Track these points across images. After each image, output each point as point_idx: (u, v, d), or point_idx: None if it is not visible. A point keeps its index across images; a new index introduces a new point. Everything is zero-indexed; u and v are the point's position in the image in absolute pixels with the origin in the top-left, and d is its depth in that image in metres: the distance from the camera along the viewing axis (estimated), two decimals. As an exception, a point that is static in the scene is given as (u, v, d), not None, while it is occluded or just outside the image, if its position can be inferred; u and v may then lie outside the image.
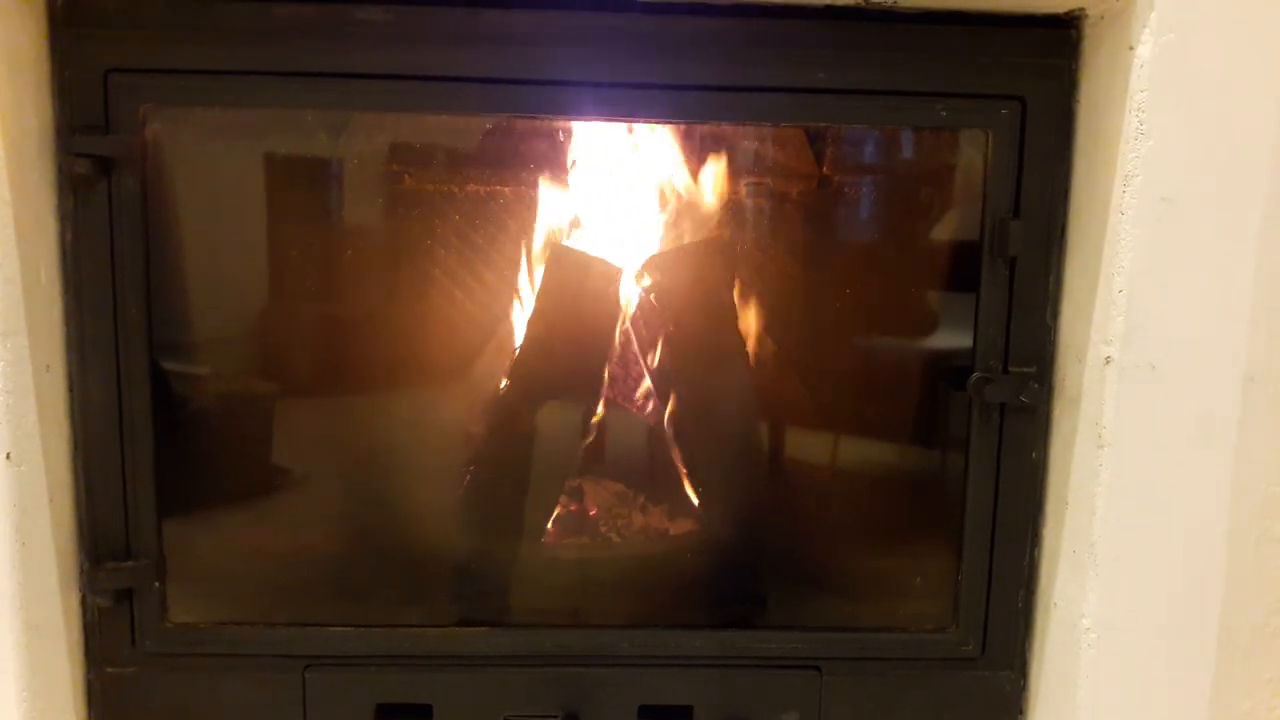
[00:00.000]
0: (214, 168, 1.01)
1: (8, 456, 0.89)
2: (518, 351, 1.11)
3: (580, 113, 0.98)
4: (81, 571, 0.98)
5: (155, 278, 0.96)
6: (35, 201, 0.91)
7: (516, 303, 1.11)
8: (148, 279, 0.95)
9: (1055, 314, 0.98)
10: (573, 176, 1.07)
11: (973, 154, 0.97)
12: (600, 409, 1.13)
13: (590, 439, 1.13)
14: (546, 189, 1.08)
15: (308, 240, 1.07)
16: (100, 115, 0.92)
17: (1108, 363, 0.90)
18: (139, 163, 0.93)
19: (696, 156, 1.07)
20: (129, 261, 0.94)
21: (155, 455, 0.98)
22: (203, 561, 1.03)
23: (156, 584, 1.00)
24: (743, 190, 1.07)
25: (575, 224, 1.10)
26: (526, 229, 1.08)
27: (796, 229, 1.10)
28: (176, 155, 0.99)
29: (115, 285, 0.95)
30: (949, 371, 1.02)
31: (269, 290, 1.06)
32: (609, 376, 1.13)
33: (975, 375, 0.98)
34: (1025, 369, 0.98)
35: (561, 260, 1.09)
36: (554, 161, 1.06)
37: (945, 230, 1.03)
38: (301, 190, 1.05)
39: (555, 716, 1.02)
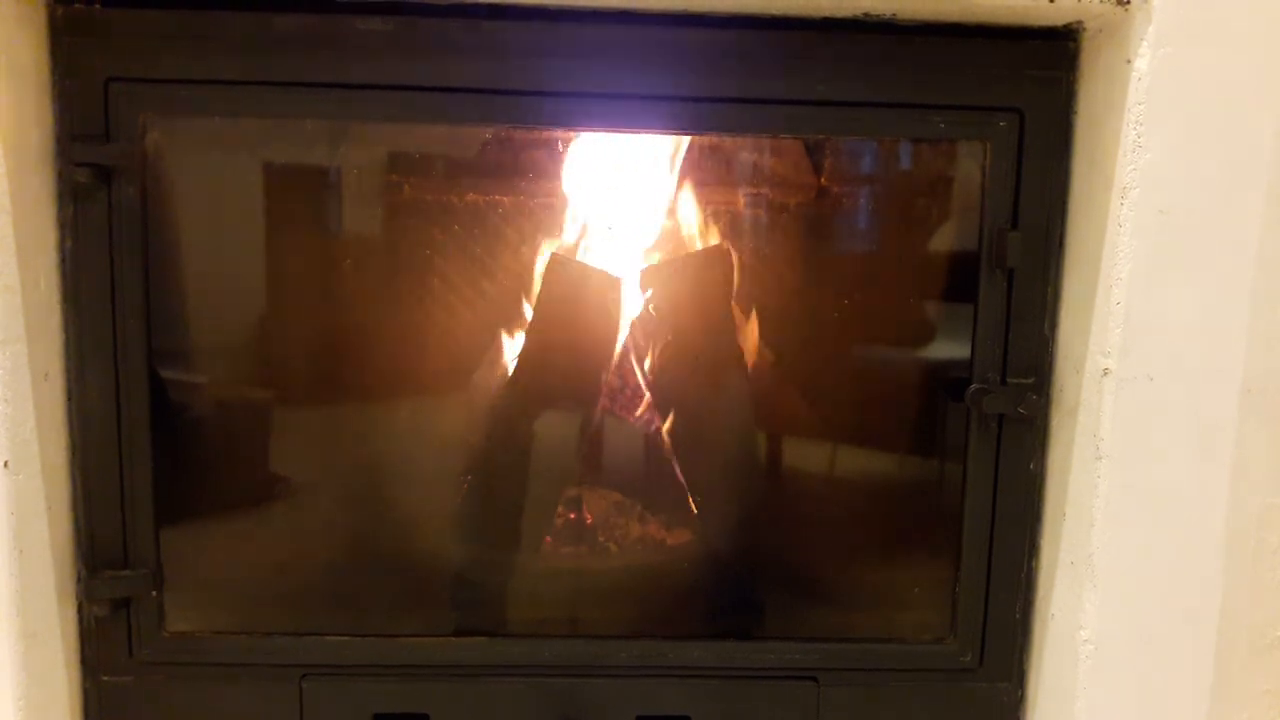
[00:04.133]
0: (214, 177, 1.01)
1: (5, 464, 0.89)
2: (516, 361, 1.11)
3: (578, 124, 0.99)
4: (79, 580, 0.98)
5: (154, 286, 0.96)
6: (35, 210, 0.91)
7: (515, 313, 1.11)
8: (147, 288, 0.95)
9: (1053, 325, 0.98)
10: (571, 187, 1.08)
11: (971, 165, 0.97)
12: (598, 419, 1.13)
13: (588, 449, 1.13)
14: (545, 199, 1.08)
15: (307, 250, 1.07)
16: (100, 124, 0.92)
17: (1105, 374, 0.90)
18: (139, 171, 0.93)
19: (695, 167, 1.07)
20: (128, 270, 0.94)
21: (153, 464, 0.98)
22: (200, 570, 1.03)
23: (154, 593, 0.99)
24: (741, 201, 1.07)
25: (574, 234, 1.10)
26: (525, 239, 1.08)
27: (795, 240, 1.10)
28: (176, 164, 0.99)
29: (114, 294, 0.95)
30: (947, 382, 1.02)
31: (268, 299, 1.06)
32: (607, 386, 1.13)
33: (973, 386, 0.98)
34: (1023, 380, 0.98)
35: (560, 270, 1.09)
36: (553, 172, 1.06)
37: (943, 241, 1.03)
38: (300, 200, 1.05)
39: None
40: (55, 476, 0.95)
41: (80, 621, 0.99)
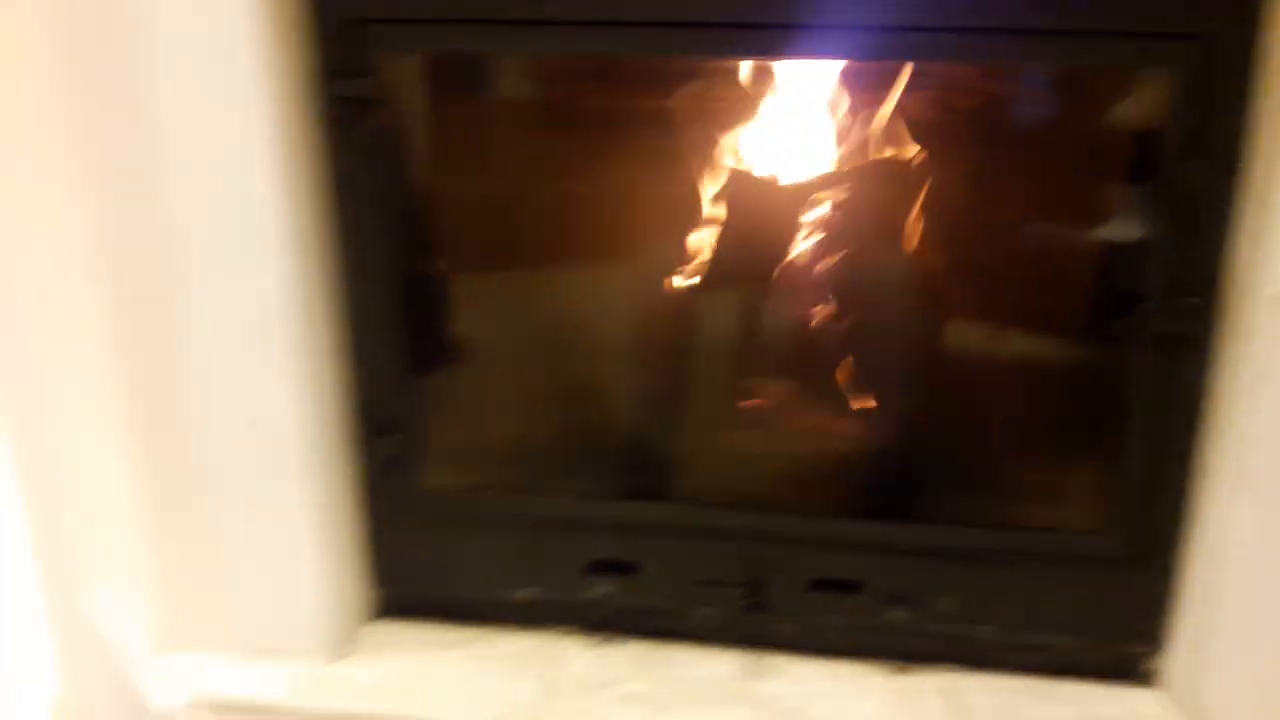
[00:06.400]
0: (458, 104, 1.16)
1: (300, 350, 1.09)
2: (707, 258, 1.23)
3: (798, 53, 1.05)
4: (358, 443, 1.20)
5: (405, 197, 1.12)
6: (303, 137, 1.05)
7: (704, 217, 1.22)
8: (400, 199, 1.11)
9: (1227, 249, 0.99)
10: (760, 98, 1.16)
11: (1155, 90, 0.97)
12: (786, 316, 1.24)
13: (776, 343, 1.25)
14: (735, 108, 1.16)
15: (530, 157, 1.19)
16: (359, 60, 1.04)
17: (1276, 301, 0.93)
18: (394, 102, 1.07)
19: (876, 83, 1.11)
20: (386, 186, 1.10)
21: (414, 346, 1.16)
22: (453, 437, 1.23)
23: (417, 454, 1.19)
24: (921, 114, 1.11)
25: (758, 142, 1.20)
26: (715, 143, 1.19)
27: (972, 152, 1.13)
28: (422, 93, 1.13)
29: (372, 205, 1.10)
30: (1118, 297, 1.04)
31: (502, 204, 1.20)
32: (788, 283, 1.23)
33: (1144, 303, 1.01)
34: (1192, 299, 1.00)
35: (741, 178, 1.19)
36: (743, 84, 1.14)
37: (1122, 162, 1.04)
38: (525, 115, 1.18)
39: (737, 582, 1.17)
40: (338, 359, 1.15)
41: (359, 478, 1.21)
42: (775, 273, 1.24)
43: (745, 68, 1.14)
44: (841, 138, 1.17)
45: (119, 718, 1.28)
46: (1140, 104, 1.01)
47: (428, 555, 1.25)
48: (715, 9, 0.99)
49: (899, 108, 1.11)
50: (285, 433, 1.12)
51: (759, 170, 1.22)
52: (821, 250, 1.22)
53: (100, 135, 1.03)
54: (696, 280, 1.24)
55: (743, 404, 1.26)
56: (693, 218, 1.23)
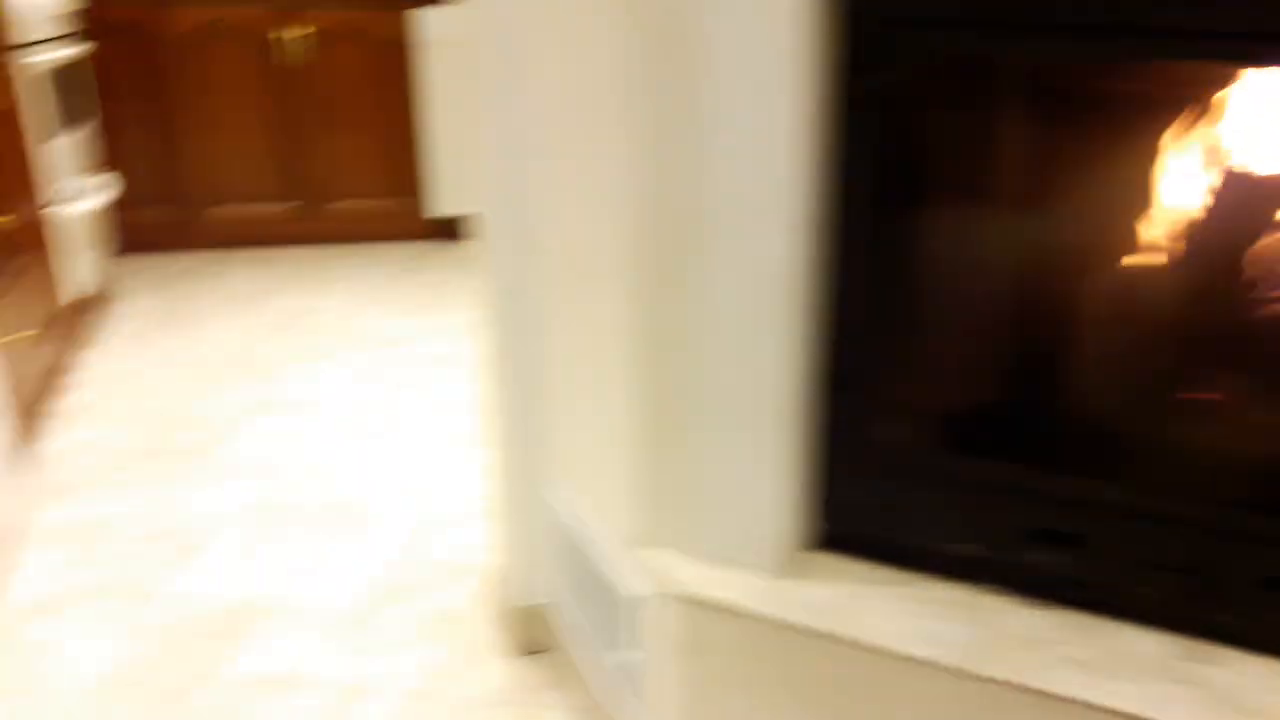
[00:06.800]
0: (957, 96, 1.26)
1: (788, 311, 1.25)
2: (1180, 243, 1.26)
3: None
4: (823, 395, 1.35)
5: (897, 181, 1.23)
6: (819, 125, 1.20)
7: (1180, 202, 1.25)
8: (890, 183, 1.23)
9: None
10: (1242, 92, 1.18)
11: None
12: (1252, 310, 1.25)
13: (1233, 337, 1.26)
14: (1220, 99, 1.19)
15: (1017, 147, 1.28)
16: (880, 58, 1.17)
17: None
18: (902, 95, 1.19)
19: None
20: (879, 171, 1.22)
21: (879, 316, 1.28)
22: (908, 397, 1.35)
23: (873, 409, 1.32)
24: None
25: (1239, 135, 1.20)
26: (1196, 136, 1.21)
27: None
28: (931, 86, 1.23)
29: (864, 188, 1.23)
30: None
31: (983, 190, 1.30)
32: (1260, 280, 1.23)
33: None
34: None
35: (1224, 166, 1.21)
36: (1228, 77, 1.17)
37: None
38: (1019, 108, 1.26)
39: (1183, 568, 1.21)
40: (815, 324, 1.29)
41: (820, 425, 1.36)
42: (1245, 268, 1.24)
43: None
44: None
45: (558, 595, 1.52)
46: None
47: (871, 500, 1.38)
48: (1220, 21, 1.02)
49: None
50: (767, 380, 1.29)
51: (1238, 163, 1.23)
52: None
53: (655, 119, 1.23)
54: (1162, 267, 1.28)
55: (1198, 395, 1.28)
56: (1167, 208, 1.26)
